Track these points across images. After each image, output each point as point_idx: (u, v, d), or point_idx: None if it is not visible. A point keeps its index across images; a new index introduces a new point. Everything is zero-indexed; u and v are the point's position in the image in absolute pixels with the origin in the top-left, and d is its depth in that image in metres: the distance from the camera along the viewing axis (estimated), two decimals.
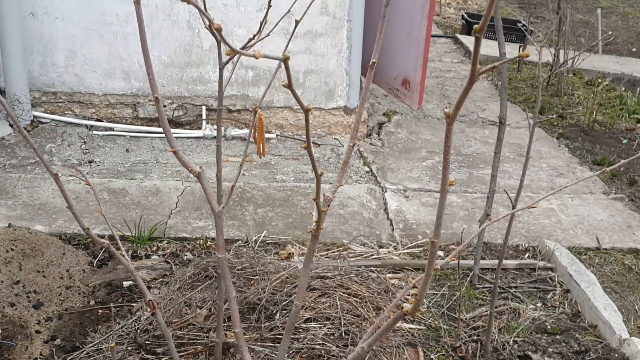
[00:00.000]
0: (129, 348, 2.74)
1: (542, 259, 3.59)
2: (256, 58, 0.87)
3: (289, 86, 1.00)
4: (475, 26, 0.87)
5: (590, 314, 3.08)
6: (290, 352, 2.75)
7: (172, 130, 4.67)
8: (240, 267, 3.24)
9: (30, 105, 4.56)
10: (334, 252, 3.54)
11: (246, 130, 4.71)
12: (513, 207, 2.88)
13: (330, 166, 4.48)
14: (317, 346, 2.76)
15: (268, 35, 2.16)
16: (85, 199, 3.78)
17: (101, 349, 2.70)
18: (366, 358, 2.71)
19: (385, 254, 3.58)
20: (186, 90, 4.70)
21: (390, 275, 3.39)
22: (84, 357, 2.65)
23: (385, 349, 2.83)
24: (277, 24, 2.17)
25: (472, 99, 5.83)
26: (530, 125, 2.65)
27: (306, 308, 3.06)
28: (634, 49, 8.23)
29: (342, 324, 2.89)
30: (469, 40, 7.52)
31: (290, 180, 4.21)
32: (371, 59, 1.34)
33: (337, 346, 2.77)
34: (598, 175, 2.64)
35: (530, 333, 2.97)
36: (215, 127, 4.67)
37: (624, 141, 5.34)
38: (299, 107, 4.79)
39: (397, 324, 3.02)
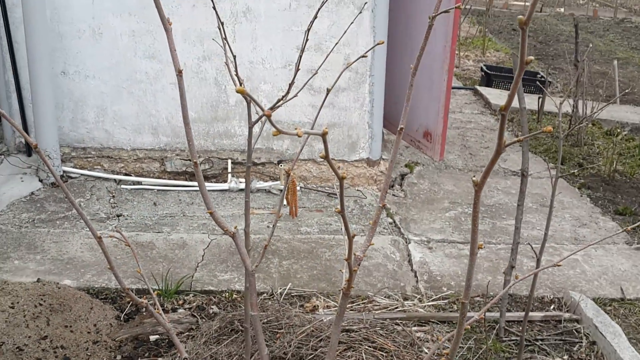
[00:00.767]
0: None
1: (567, 311, 3.55)
2: (299, 136, 0.92)
3: (326, 157, 1.05)
4: (502, 105, 0.92)
5: None
6: None
7: None
8: (265, 320, 3.25)
9: (60, 161, 4.68)
10: (358, 304, 3.55)
11: (270, 183, 4.78)
12: (538, 260, 2.88)
13: (353, 217, 4.51)
14: None
15: (296, 95, 2.24)
16: (114, 252, 3.84)
17: None
18: None
19: (410, 306, 3.58)
20: (212, 145, 4.80)
21: (415, 328, 3.38)
22: None
23: None
24: (304, 85, 2.25)
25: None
26: (553, 177, 2.67)
27: None
28: None
29: None
30: (488, 92, 7.61)
31: (314, 232, 4.24)
32: (399, 125, 1.39)
33: None
34: (624, 231, 2.65)
35: None
36: (240, 180, 4.76)
37: None
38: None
39: None
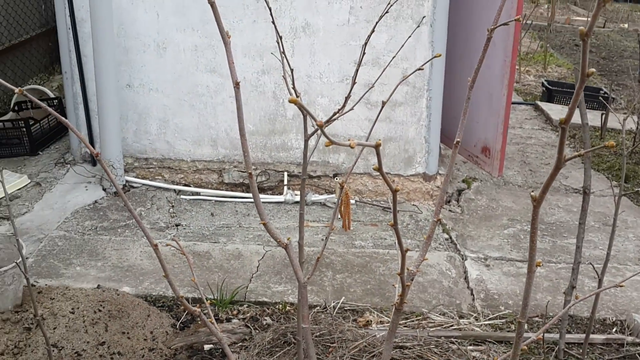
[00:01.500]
0: None
1: (630, 334, 3.41)
2: (352, 147, 0.92)
3: (379, 169, 1.05)
4: (561, 117, 0.90)
5: None
6: None
7: None
8: (318, 333, 3.25)
9: (124, 171, 4.82)
10: (412, 321, 3.50)
11: (326, 196, 4.79)
12: (599, 281, 2.78)
13: (408, 232, 4.47)
14: None
15: (352, 109, 2.24)
16: (171, 261, 3.92)
17: None
18: None
19: (465, 324, 3.51)
20: (269, 157, 4.86)
21: (471, 347, 3.31)
22: None
23: None
24: (360, 99, 2.25)
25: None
26: (616, 196, 2.59)
27: None
28: None
29: None
30: (549, 108, 7.44)
31: (368, 247, 4.22)
32: (455, 138, 1.38)
33: None
34: None
35: None
36: (296, 192, 4.78)
37: None
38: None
39: None
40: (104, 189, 4.77)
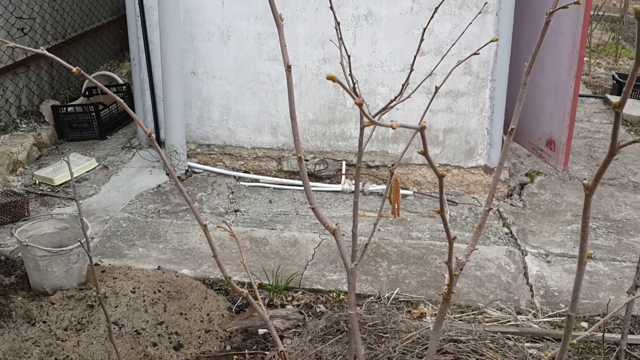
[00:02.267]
0: None
1: None
2: (393, 128, 0.91)
3: (424, 153, 1.03)
4: (615, 101, 0.86)
5: None
6: None
7: (313, 183, 4.83)
8: (371, 323, 3.24)
9: (186, 156, 4.93)
10: (468, 315, 3.45)
11: (384, 186, 4.76)
12: None
13: (467, 226, 4.40)
14: None
15: (409, 96, 2.21)
16: (229, 246, 3.98)
17: None
18: None
19: (523, 321, 3.43)
20: (328, 146, 4.87)
21: (528, 344, 3.24)
22: None
23: None
24: (417, 87, 2.22)
25: (622, 162, 5.50)
26: None
27: None
28: None
29: None
30: None
31: (425, 238, 4.18)
32: (510, 125, 1.34)
33: None
34: None
35: None
36: (353, 182, 4.77)
37: None
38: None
39: None
40: (167, 174, 4.89)
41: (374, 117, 1.96)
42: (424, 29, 2.08)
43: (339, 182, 4.83)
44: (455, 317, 3.41)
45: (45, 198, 4.61)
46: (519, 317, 3.44)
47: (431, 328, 3.24)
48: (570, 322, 1.04)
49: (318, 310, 3.45)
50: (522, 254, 4.04)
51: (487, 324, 3.34)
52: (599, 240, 4.24)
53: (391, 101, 2.13)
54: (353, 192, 4.70)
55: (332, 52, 4.61)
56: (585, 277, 3.81)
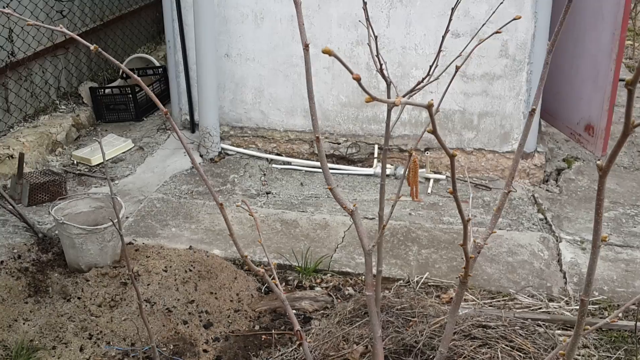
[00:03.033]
0: None
1: None
2: (396, 105, 0.90)
3: (434, 132, 1.02)
4: (627, 78, 0.83)
5: None
6: None
7: (345, 167, 4.82)
8: (399, 307, 3.23)
9: (219, 138, 4.96)
10: (498, 301, 3.41)
11: None
12: None
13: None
14: None
15: (437, 79, 2.18)
16: (260, 227, 4.01)
17: None
18: None
19: (555, 308, 3.38)
20: (360, 129, 4.84)
21: (559, 331, 3.19)
22: None
23: None
24: (446, 68, 2.19)
25: None
26: None
27: (464, 357, 2.97)
28: None
29: None
30: None
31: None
32: (531, 106, 1.31)
33: None
34: None
35: None
36: (388, 166, 4.75)
37: None
38: (470, 149, 4.72)
39: None
40: (201, 155, 4.94)
41: (403, 97, 1.94)
42: (453, 9, 2.05)
43: (371, 166, 4.81)
44: (485, 303, 3.38)
45: (83, 178, 4.71)
46: (550, 304, 3.39)
47: (460, 313, 3.22)
48: (583, 307, 1.01)
49: (346, 292, 3.46)
50: (557, 241, 3.97)
51: (518, 310, 3.30)
52: (637, 228, 4.14)
53: (418, 83, 2.11)
54: (388, 175, 4.68)
55: (365, 34, 4.54)
56: (621, 266, 3.73)
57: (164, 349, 3.01)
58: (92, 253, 3.46)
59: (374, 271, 3.29)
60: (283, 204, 4.36)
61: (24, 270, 3.49)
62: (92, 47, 1.29)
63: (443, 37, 2.07)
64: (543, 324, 3.19)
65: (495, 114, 4.63)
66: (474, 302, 3.38)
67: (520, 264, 3.71)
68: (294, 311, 3.33)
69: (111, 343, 3.03)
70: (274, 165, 4.90)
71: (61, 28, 1.25)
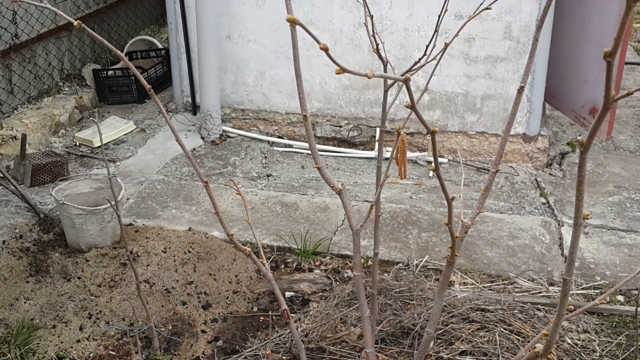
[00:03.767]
0: (283, 358, 2.84)
1: None
2: (369, 77, 0.88)
3: (412, 107, 1.00)
4: (606, 50, 0.80)
5: None
6: None
7: (347, 150, 4.79)
8: (398, 290, 3.23)
9: (221, 121, 4.94)
10: (498, 284, 3.40)
11: (417, 154, 4.69)
12: None
13: (502, 195, 4.31)
14: None
15: (435, 59, 2.15)
16: (260, 210, 4.00)
17: (258, 355, 2.84)
18: None
19: (555, 292, 3.36)
20: (362, 112, 4.81)
21: None
22: None
23: None
24: (443, 49, 2.15)
25: None
26: None
27: (462, 340, 2.96)
28: None
29: None
30: None
31: (458, 206, 4.11)
32: (520, 83, 1.28)
33: None
34: None
35: None
36: (387, 149, 4.72)
37: None
38: (473, 132, 4.69)
39: None
40: (202, 138, 4.93)
41: (394, 83, 1.92)
42: None
43: (372, 149, 4.78)
44: (484, 287, 3.37)
45: (85, 159, 4.71)
46: (551, 288, 3.37)
47: (459, 297, 3.21)
48: (566, 287, 1.00)
49: (345, 275, 3.45)
50: (559, 225, 3.95)
51: (517, 294, 3.29)
52: None
53: (415, 63, 2.08)
54: (386, 159, 4.65)
55: None
56: (624, 250, 3.71)
57: (163, 329, 3.02)
58: (92, 233, 3.47)
59: (366, 253, 3.28)
60: (284, 186, 4.35)
61: (26, 250, 3.51)
62: (75, 23, 1.28)
63: (439, 17, 2.04)
64: (543, 308, 3.18)
65: (499, 97, 4.58)
66: (473, 286, 3.37)
67: (521, 248, 3.69)
68: (292, 293, 3.33)
69: (110, 323, 3.04)
70: (275, 148, 4.88)
71: (45, 3, 1.23)
